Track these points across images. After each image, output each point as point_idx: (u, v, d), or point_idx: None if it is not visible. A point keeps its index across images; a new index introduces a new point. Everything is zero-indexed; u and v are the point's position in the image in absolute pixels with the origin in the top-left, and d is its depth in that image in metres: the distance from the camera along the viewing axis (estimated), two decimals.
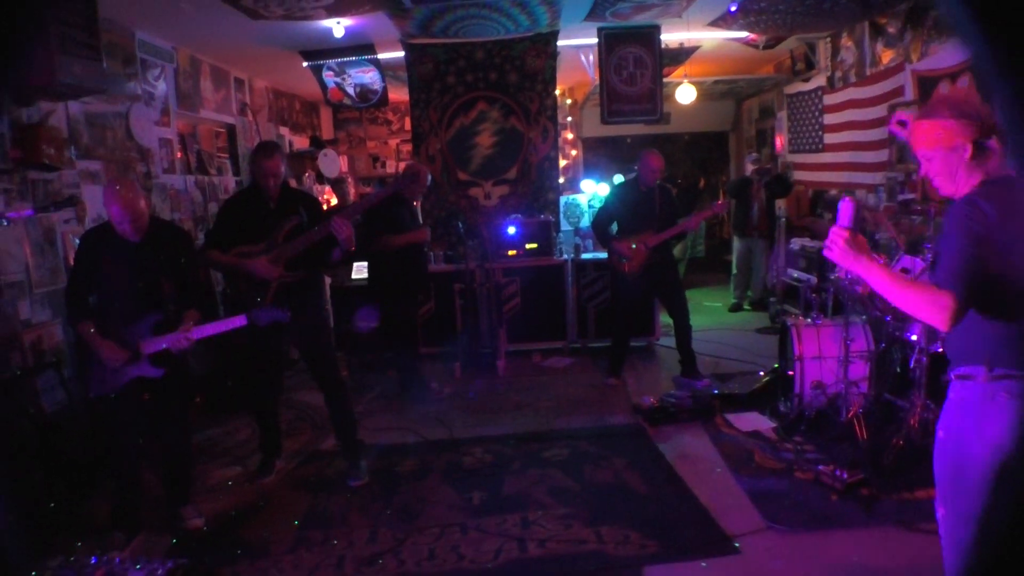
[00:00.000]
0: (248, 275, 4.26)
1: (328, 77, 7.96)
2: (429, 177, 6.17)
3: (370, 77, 7.96)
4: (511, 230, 7.37)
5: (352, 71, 7.91)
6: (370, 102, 8.25)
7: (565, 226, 8.41)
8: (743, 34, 7.73)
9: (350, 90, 8.08)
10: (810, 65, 8.77)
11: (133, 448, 3.98)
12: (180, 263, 3.93)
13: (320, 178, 9.25)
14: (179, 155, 6.80)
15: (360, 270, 7.48)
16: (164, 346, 3.76)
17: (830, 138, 8.37)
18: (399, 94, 8.75)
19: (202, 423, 5.68)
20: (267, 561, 3.66)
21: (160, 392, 3.92)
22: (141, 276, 3.79)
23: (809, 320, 5.22)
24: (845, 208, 2.29)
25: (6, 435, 3.81)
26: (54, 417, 4.35)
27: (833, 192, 8.35)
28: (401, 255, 5.80)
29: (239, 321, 3.86)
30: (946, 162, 2.20)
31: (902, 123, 2.98)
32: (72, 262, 4.12)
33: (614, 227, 6.18)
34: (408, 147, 10.20)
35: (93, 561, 3.39)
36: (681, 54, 8.18)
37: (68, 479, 4.12)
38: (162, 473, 4.18)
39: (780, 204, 9.08)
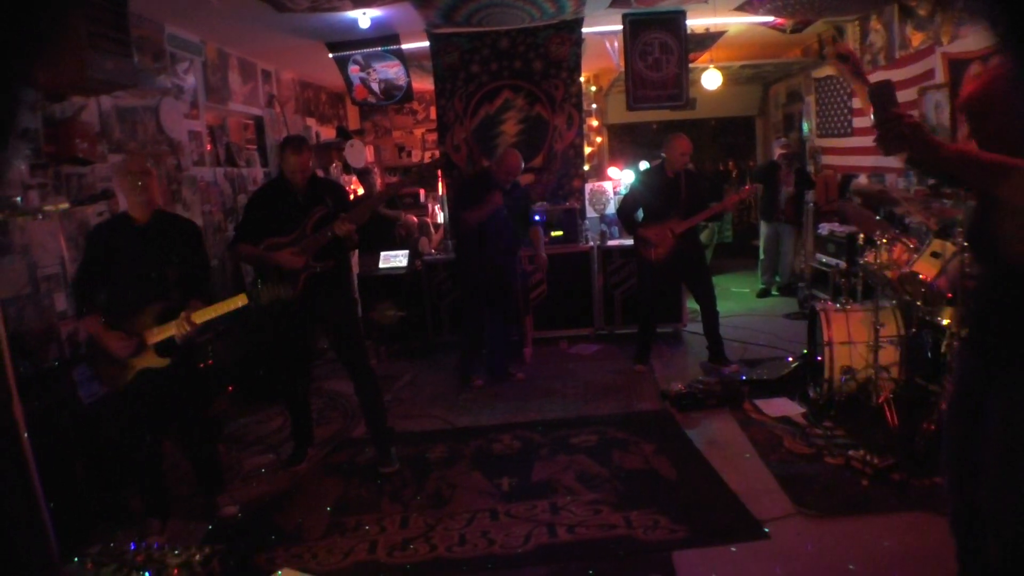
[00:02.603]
0: (276, 266, 4.32)
1: (353, 72, 7.98)
2: (518, 159, 5.95)
3: (395, 72, 7.97)
4: (537, 218, 7.37)
5: (377, 65, 7.93)
6: (394, 98, 8.26)
7: (591, 213, 8.40)
8: (770, 18, 7.65)
9: (375, 86, 8.10)
10: None
11: (150, 442, 3.98)
12: (188, 255, 3.92)
13: (347, 168, 9.32)
14: (208, 147, 6.88)
15: (387, 259, 7.54)
16: (169, 334, 3.76)
17: (859, 122, 8.27)
18: (424, 84, 8.77)
19: (235, 412, 5.78)
20: (301, 547, 3.73)
21: (171, 381, 3.91)
22: (148, 267, 3.80)
23: (838, 305, 5.18)
24: (884, 88, 2.05)
25: (46, 426, 3.89)
26: (91, 408, 4.43)
27: (861, 177, 8.27)
28: (470, 238, 5.93)
29: (239, 302, 3.81)
30: None
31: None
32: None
33: (640, 213, 6.17)
34: (433, 136, 10.23)
35: (132, 547, 3.47)
36: (707, 39, 8.11)
37: (106, 469, 4.20)
38: (191, 463, 4.23)
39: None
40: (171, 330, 3.75)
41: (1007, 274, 2.19)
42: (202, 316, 3.77)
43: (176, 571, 3.30)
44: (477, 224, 5.79)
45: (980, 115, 2.18)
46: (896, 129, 1.94)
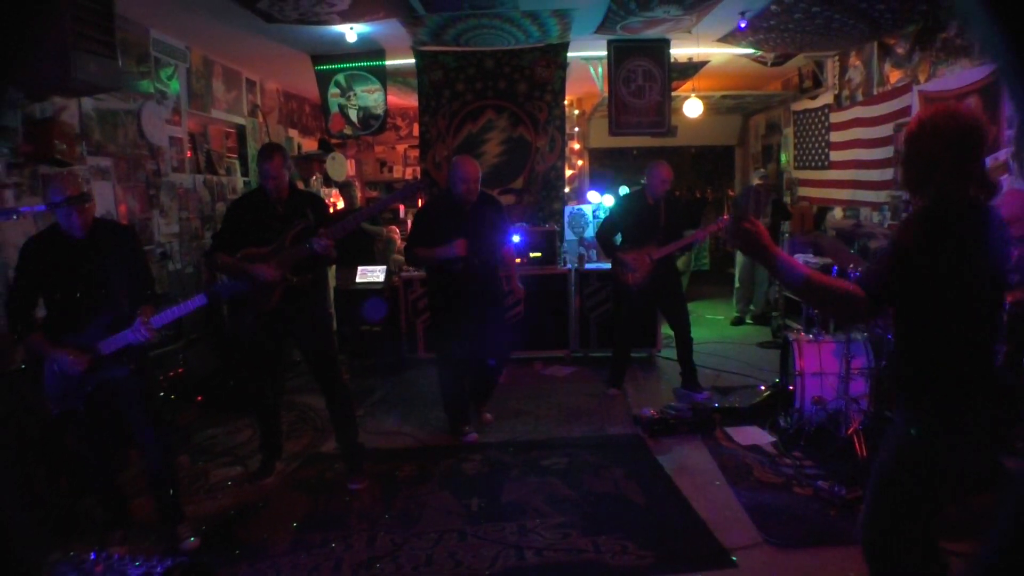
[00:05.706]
0: (253, 278, 4.25)
1: (333, 97, 7.95)
2: (474, 164, 5.15)
3: (374, 99, 7.96)
4: (516, 239, 7.37)
5: (359, 89, 7.92)
6: (371, 128, 8.21)
7: (569, 235, 8.43)
8: (752, 51, 7.76)
9: (353, 114, 8.08)
10: (818, 83, 8.80)
11: (107, 460, 3.86)
12: (128, 260, 3.76)
13: (328, 181, 9.29)
14: (188, 154, 6.84)
15: (364, 274, 7.51)
16: (126, 341, 3.58)
17: (836, 155, 8.40)
18: (408, 100, 8.79)
19: (204, 422, 5.71)
20: (265, 562, 3.67)
21: (127, 393, 3.75)
22: (89, 277, 3.62)
23: (811, 336, 5.23)
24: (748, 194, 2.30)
25: (10, 431, 3.80)
26: (60, 416, 4.35)
27: (836, 210, 8.38)
28: (444, 277, 5.18)
29: (199, 300, 3.71)
30: None
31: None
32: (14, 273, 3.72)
33: (618, 238, 6.21)
34: (416, 153, 10.24)
35: (92, 557, 3.40)
36: (690, 68, 8.22)
37: (70, 475, 4.13)
38: (147, 484, 3.99)
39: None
40: (127, 338, 3.58)
41: (900, 332, 2.44)
42: (162, 320, 3.61)
43: None
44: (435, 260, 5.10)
45: (910, 152, 2.36)
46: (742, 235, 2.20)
